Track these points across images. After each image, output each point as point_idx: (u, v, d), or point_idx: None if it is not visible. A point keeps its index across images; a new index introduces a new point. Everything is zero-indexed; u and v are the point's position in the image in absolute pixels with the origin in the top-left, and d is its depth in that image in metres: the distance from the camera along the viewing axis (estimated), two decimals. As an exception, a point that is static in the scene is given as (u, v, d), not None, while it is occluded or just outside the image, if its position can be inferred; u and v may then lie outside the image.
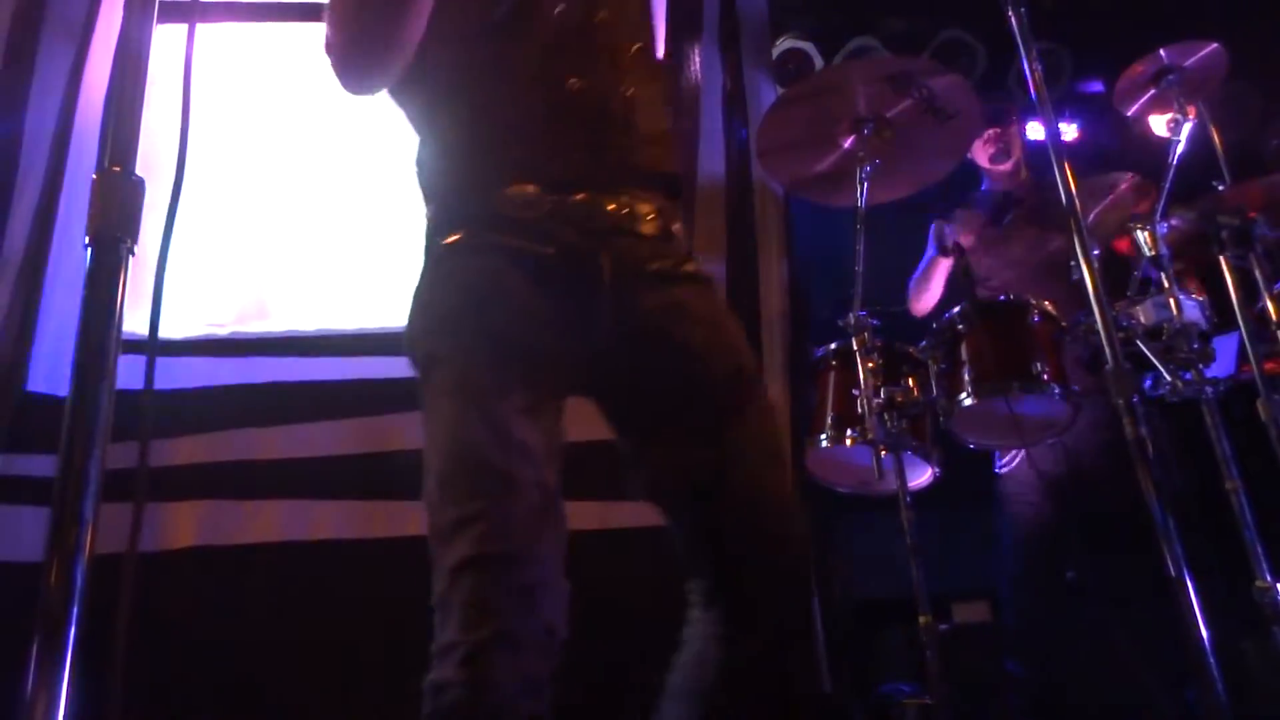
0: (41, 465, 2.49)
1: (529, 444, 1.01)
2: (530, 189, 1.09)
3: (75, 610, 0.72)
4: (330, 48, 1.13)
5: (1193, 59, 2.48)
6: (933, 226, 2.91)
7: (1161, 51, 2.46)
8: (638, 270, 1.12)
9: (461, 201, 1.14)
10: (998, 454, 2.63)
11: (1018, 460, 2.56)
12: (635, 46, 1.20)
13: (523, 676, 0.94)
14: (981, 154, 2.90)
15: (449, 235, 1.12)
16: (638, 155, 1.16)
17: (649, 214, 1.15)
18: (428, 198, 1.20)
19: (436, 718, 0.95)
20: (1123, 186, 2.55)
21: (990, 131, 2.86)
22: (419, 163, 1.22)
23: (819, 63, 3.85)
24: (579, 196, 1.10)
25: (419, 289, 1.13)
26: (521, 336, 1.06)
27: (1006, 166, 2.89)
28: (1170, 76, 2.49)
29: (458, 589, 0.97)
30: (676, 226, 1.19)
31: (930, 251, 2.88)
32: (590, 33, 1.16)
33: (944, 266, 2.75)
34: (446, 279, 1.11)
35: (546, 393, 1.08)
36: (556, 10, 1.14)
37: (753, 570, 1.10)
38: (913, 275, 2.88)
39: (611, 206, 1.11)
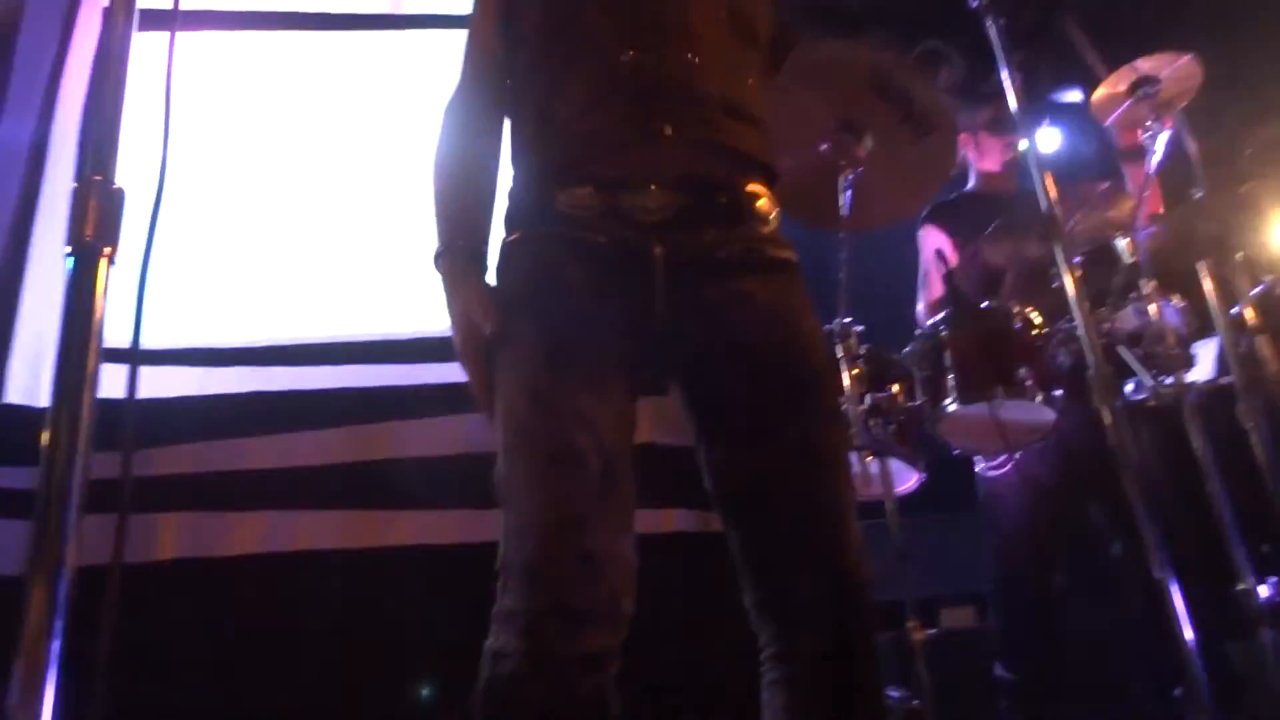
0: (19, 477, 2.45)
1: (587, 414, 1.02)
2: (584, 190, 1.12)
3: (58, 624, 0.71)
4: None
5: (1168, 69, 2.51)
6: (920, 234, 2.91)
7: (1138, 62, 2.50)
8: (699, 260, 1.11)
9: (523, 201, 1.19)
10: (982, 456, 2.64)
11: (1010, 462, 2.57)
12: (714, 14, 1.19)
13: (583, 650, 0.95)
14: (994, 160, 2.88)
15: (511, 233, 1.18)
16: (703, 128, 1.14)
17: (718, 197, 1.14)
18: (512, 187, 1.24)
19: (494, 685, 0.94)
20: (1099, 193, 2.58)
21: (1008, 139, 2.84)
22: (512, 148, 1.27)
23: (801, 72, 3.87)
24: (631, 193, 1.11)
25: (469, 289, 1.17)
26: (576, 322, 1.08)
27: (1014, 172, 2.88)
28: (1148, 87, 2.52)
29: (519, 552, 0.97)
30: (761, 204, 1.17)
31: (925, 268, 2.86)
32: (649, 5, 1.17)
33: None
34: (507, 271, 1.16)
35: (609, 371, 1.09)
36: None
37: (798, 583, 1.07)
38: (920, 297, 2.81)
39: (665, 200, 1.11)
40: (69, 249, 0.84)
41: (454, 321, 1.15)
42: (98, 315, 0.83)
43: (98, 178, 0.86)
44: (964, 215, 2.82)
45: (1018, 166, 2.86)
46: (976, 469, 2.63)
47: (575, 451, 1.00)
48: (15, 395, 2.64)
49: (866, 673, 1.04)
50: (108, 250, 0.85)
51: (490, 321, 1.11)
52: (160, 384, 2.59)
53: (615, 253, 1.10)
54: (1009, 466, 2.55)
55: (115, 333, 0.85)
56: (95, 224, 0.85)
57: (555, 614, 0.94)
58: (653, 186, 1.11)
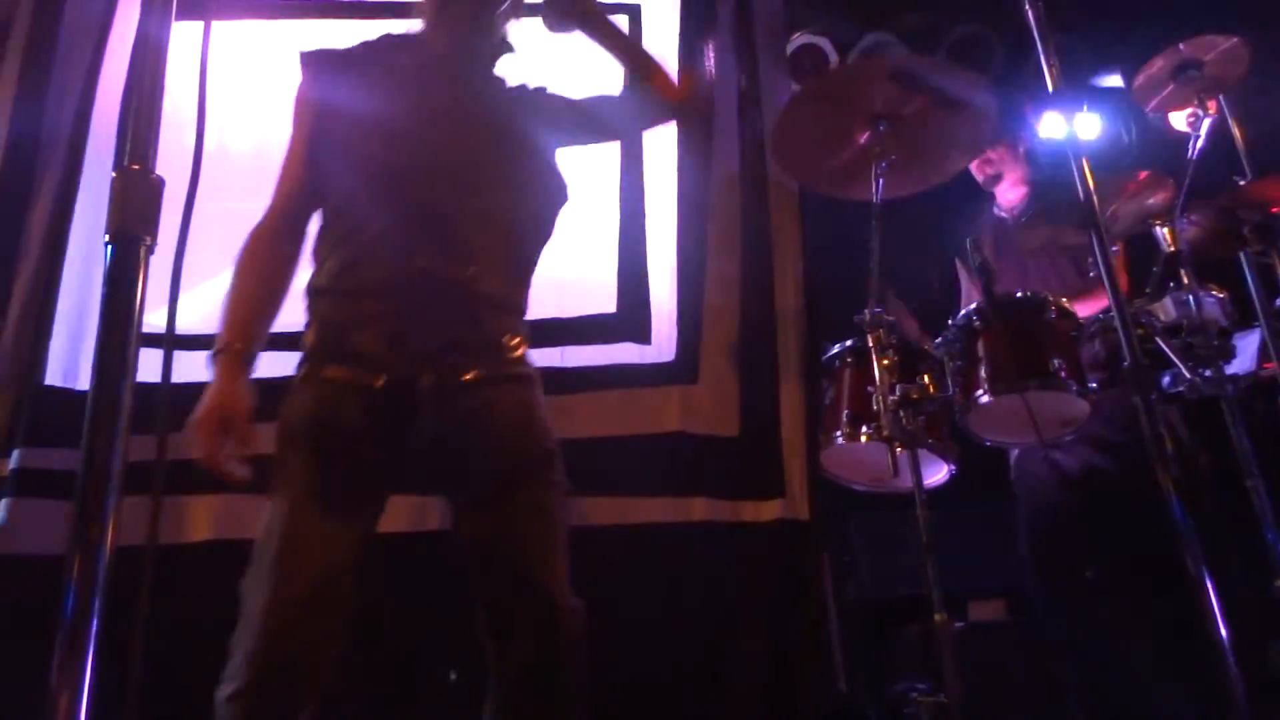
0: (59, 459, 2.51)
1: (323, 541, 1.32)
2: (370, 335, 1.39)
3: (97, 602, 0.73)
4: None
5: (1213, 53, 2.45)
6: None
7: (1181, 46, 2.44)
8: (454, 383, 1.40)
9: (323, 338, 1.44)
10: (1009, 456, 2.62)
11: (1017, 459, 2.55)
12: (487, 235, 1.47)
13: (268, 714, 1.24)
14: (978, 173, 2.91)
15: (303, 367, 1.44)
16: (469, 324, 1.44)
17: (473, 342, 1.43)
18: (307, 322, 1.49)
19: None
20: (1139, 181, 2.53)
21: (989, 153, 2.85)
22: (305, 292, 1.50)
23: (834, 59, 3.83)
24: (412, 339, 1.39)
25: (284, 404, 1.44)
26: (342, 452, 1.37)
27: (1000, 188, 2.89)
28: (1190, 71, 2.47)
29: (245, 634, 1.27)
30: (506, 338, 1.47)
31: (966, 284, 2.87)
32: (439, 223, 1.44)
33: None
34: (298, 399, 1.42)
35: (361, 496, 1.40)
36: (430, 191, 1.44)
37: (513, 610, 1.38)
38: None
39: (437, 342, 1.40)
40: (108, 237, 0.86)
41: (206, 400, 1.36)
42: (136, 302, 0.84)
43: (136, 167, 0.87)
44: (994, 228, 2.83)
45: (999, 180, 2.86)
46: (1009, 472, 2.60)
47: (301, 569, 1.29)
48: (56, 378, 2.69)
49: (571, 687, 1.37)
50: (146, 238, 0.86)
51: (238, 419, 1.34)
52: (195, 368, 2.64)
53: (388, 389, 1.37)
54: (1014, 465, 2.53)
55: (151, 317, 0.86)
56: (134, 212, 0.86)
57: (257, 689, 1.23)
58: (430, 331, 1.41)
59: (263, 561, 1.30)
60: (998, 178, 2.89)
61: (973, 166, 2.88)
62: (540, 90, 1.71)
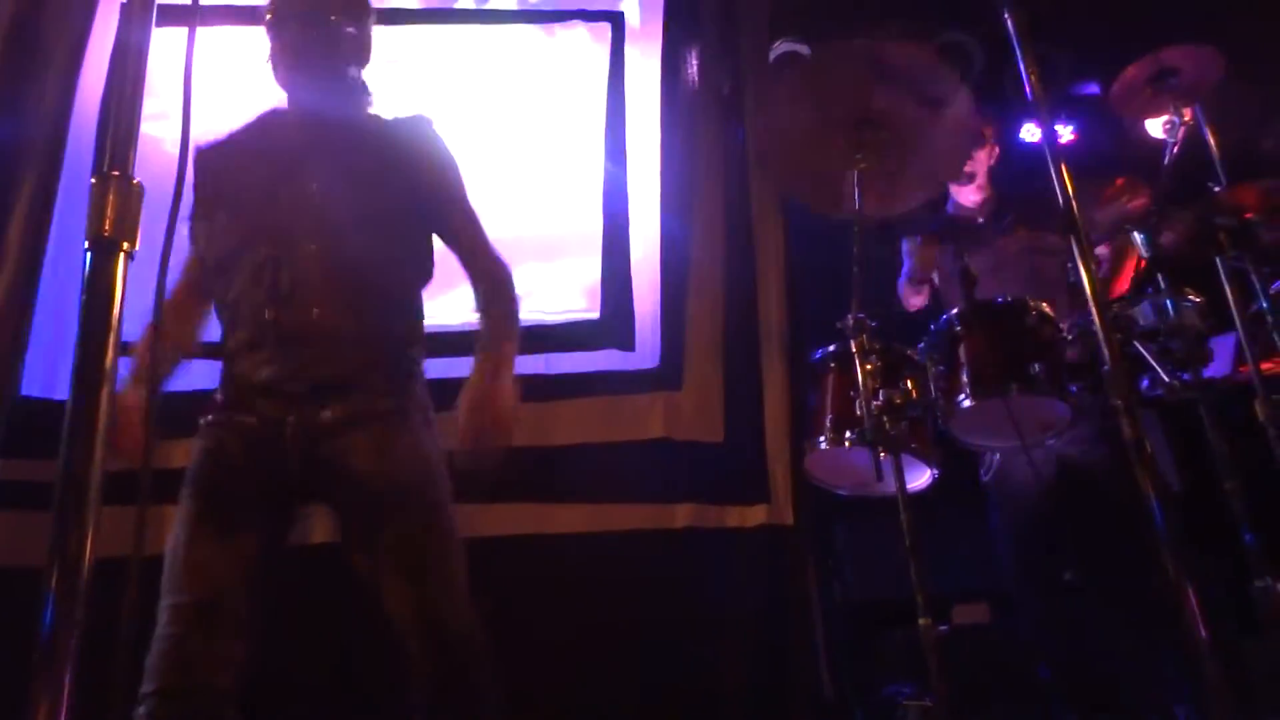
0: (38, 470, 2.48)
1: (205, 563, 1.44)
2: (252, 385, 1.54)
3: (78, 614, 0.72)
4: None
5: (1189, 61, 2.48)
6: (905, 243, 2.90)
7: (1158, 54, 2.47)
8: (317, 424, 1.52)
9: (222, 394, 1.60)
10: (980, 464, 2.62)
11: (995, 466, 2.56)
12: (331, 277, 1.56)
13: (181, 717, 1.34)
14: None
15: (207, 416, 1.59)
16: (324, 364, 1.55)
17: (333, 382, 1.54)
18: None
19: None
20: (1116, 186, 2.55)
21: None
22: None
23: (815, 65, 3.85)
24: (284, 383, 1.53)
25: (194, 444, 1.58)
26: (225, 484, 1.51)
27: (967, 188, 2.89)
28: (1167, 79, 2.50)
29: (153, 648, 1.38)
30: (369, 375, 1.57)
31: (907, 265, 2.87)
32: (279, 274, 1.54)
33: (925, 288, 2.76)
34: (195, 444, 1.57)
35: (241, 520, 1.49)
36: (267, 252, 1.56)
37: (409, 641, 1.48)
38: (901, 278, 2.87)
39: (304, 385, 1.53)
40: (87, 243, 0.85)
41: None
42: (115, 309, 0.83)
43: (115, 173, 0.87)
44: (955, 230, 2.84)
45: (972, 180, 2.86)
46: (981, 477, 2.62)
47: (188, 587, 1.43)
48: (34, 388, 2.66)
49: (463, 692, 1.47)
50: (125, 245, 0.85)
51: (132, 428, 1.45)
52: (177, 377, 2.61)
53: (259, 427, 1.53)
54: (995, 468, 2.54)
55: (132, 326, 0.86)
56: (113, 219, 0.85)
57: (160, 699, 1.34)
58: (293, 378, 1.53)
59: (164, 586, 1.44)
60: (971, 176, 2.88)
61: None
62: (421, 140, 1.75)
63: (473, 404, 1.53)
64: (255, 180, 1.63)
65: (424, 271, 1.73)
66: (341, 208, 1.60)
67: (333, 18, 1.68)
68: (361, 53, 1.75)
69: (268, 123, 1.73)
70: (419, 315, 1.71)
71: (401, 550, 1.50)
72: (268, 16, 1.71)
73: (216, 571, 1.44)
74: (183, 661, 1.36)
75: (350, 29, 1.71)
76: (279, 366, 1.53)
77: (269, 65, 1.71)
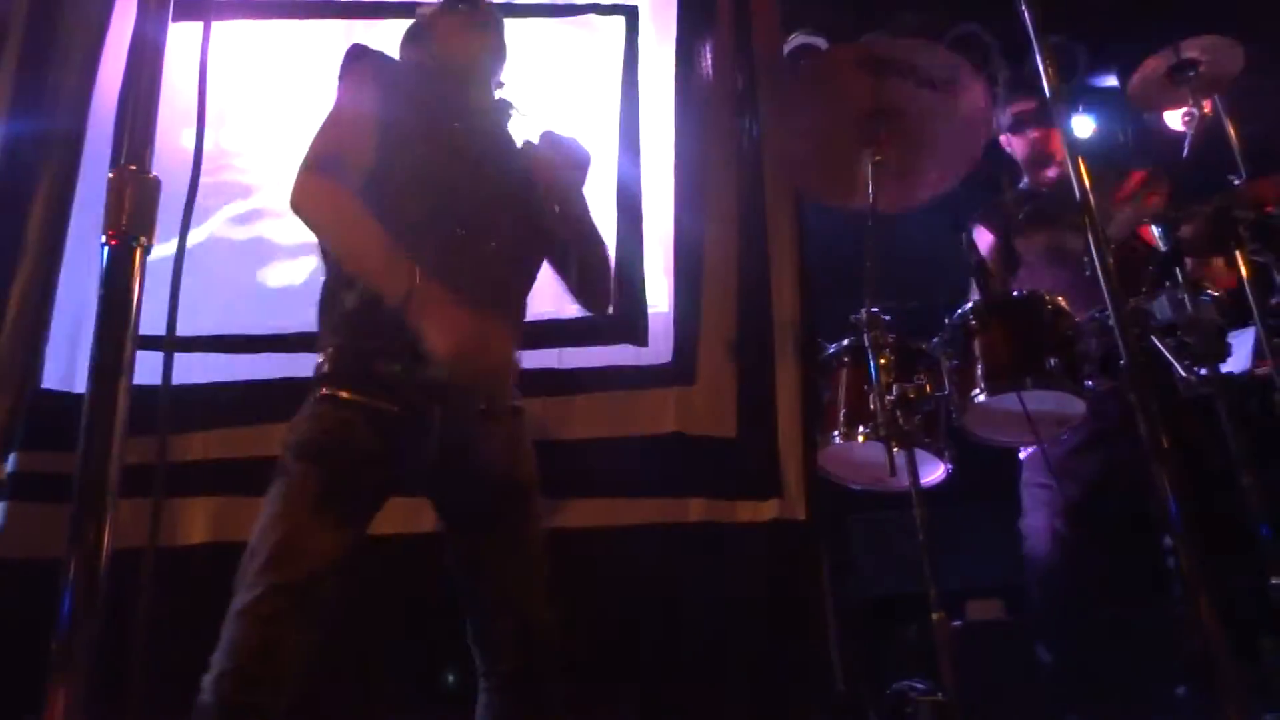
0: (57, 462, 2.50)
1: (318, 546, 1.40)
2: (396, 367, 1.48)
3: (96, 605, 0.73)
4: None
5: (1209, 53, 2.46)
6: (964, 238, 2.86)
7: (1177, 45, 2.44)
8: (463, 413, 1.53)
9: (345, 363, 1.52)
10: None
11: (1025, 461, 2.55)
12: (494, 282, 1.59)
13: (254, 701, 1.32)
14: (1023, 154, 2.84)
15: (325, 386, 1.51)
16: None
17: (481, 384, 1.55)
18: (325, 343, 1.56)
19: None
20: (1135, 181, 2.53)
21: (1034, 133, 2.80)
22: (325, 306, 1.59)
23: (830, 58, 3.83)
24: (429, 372, 1.47)
25: (301, 412, 1.51)
26: (353, 471, 1.46)
27: (1049, 174, 2.84)
28: (1186, 71, 2.47)
29: (238, 625, 1.35)
30: (510, 378, 1.63)
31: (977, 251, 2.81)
32: (465, 270, 1.52)
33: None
34: (315, 417, 1.49)
35: (361, 510, 1.49)
36: (456, 234, 1.55)
37: (499, 624, 1.53)
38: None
39: (450, 380, 1.48)
40: (104, 238, 0.85)
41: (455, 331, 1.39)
42: (133, 303, 0.84)
43: (132, 167, 0.87)
44: (1009, 211, 2.79)
45: (1052, 159, 2.81)
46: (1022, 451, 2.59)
47: (290, 568, 1.38)
48: (53, 381, 2.69)
49: (549, 690, 1.52)
50: (143, 239, 0.86)
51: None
52: (194, 370, 2.64)
53: (403, 416, 1.49)
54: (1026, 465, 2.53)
55: (149, 319, 0.86)
56: (130, 213, 0.86)
57: (239, 674, 1.32)
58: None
59: (256, 558, 1.38)
60: (1050, 157, 2.82)
61: (1020, 143, 2.83)
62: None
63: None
64: (451, 160, 1.62)
65: (533, 279, 1.78)
66: (508, 214, 1.65)
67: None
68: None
69: (444, 94, 1.71)
70: None
71: (513, 546, 1.56)
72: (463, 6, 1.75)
73: (324, 558, 1.41)
74: (270, 644, 1.34)
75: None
76: (443, 370, 1.46)
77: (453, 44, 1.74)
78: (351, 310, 1.53)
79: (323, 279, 1.63)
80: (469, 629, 1.56)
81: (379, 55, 1.69)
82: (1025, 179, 2.91)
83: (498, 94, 1.81)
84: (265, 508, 1.44)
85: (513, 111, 1.81)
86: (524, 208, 1.67)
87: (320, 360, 1.55)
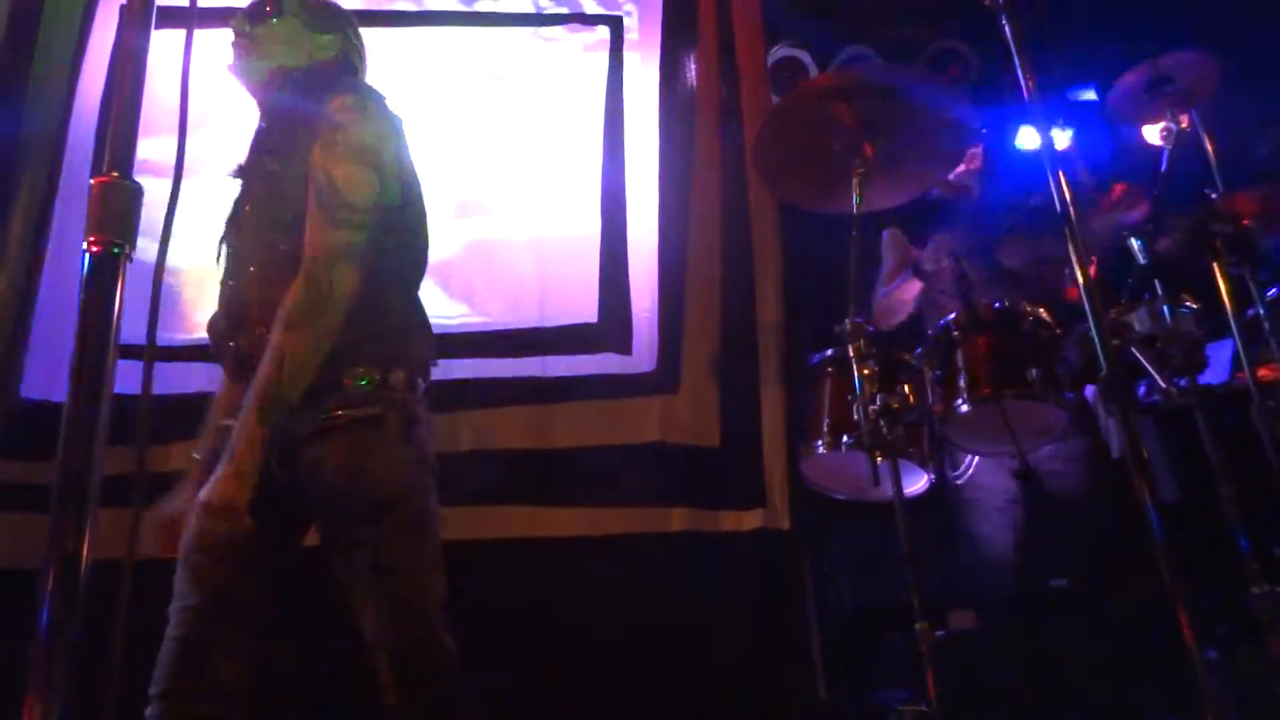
0: (38, 472, 2.47)
1: (208, 565, 1.48)
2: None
3: (75, 615, 0.72)
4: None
5: (1186, 68, 2.50)
6: (886, 235, 2.89)
7: (1156, 60, 2.48)
8: (290, 437, 1.47)
9: None
10: (949, 465, 2.61)
11: (971, 469, 2.55)
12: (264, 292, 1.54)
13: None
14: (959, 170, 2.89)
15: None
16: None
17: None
18: None
19: None
20: (1114, 194, 2.56)
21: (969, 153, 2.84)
22: None
23: (814, 71, 3.86)
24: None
25: None
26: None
27: (970, 183, 2.88)
28: (1164, 85, 2.51)
29: (164, 646, 1.45)
30: (335, 384, 1.50)
31: (887, 263, 2.85)
32: (230, 285, 1.62)
33: (917, 287, 2.71)
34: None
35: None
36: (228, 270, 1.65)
37: (376, 660, 1.45)
38: (876, 297, 2.80)
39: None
40: (86, 245, 0.85)
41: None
42: (114, 311, 0.83)
43: (114, 174, 0.87)
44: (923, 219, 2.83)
45: (970, 174, 2.85)
46: (947, 481, 2.60)
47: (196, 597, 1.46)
48: (34, 390, 2.66)
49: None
50: (124, 247, 0.85)
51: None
52: (174, 380, 2.62)
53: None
54: (971, 471, 2.54)
55: (130, 329, 0.86)
56: (111, 221, 0.85)
57: (172, 691, 1.39)
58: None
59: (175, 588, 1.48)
60: (976, 174, 2.86)
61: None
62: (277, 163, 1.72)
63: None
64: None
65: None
66: (276, 228, 1.58)
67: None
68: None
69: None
70: (388, 321, 1.61)
71: (373, 575, 1.44)
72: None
73: (223, 574, 1.45)
74: (190, 662, 1.39)
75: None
76: (245, 386, 1.48)
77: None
78: None
79: None
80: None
81: None
82: (933, 190, 2.93)
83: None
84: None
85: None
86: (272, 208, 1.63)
87: None
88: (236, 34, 1.73)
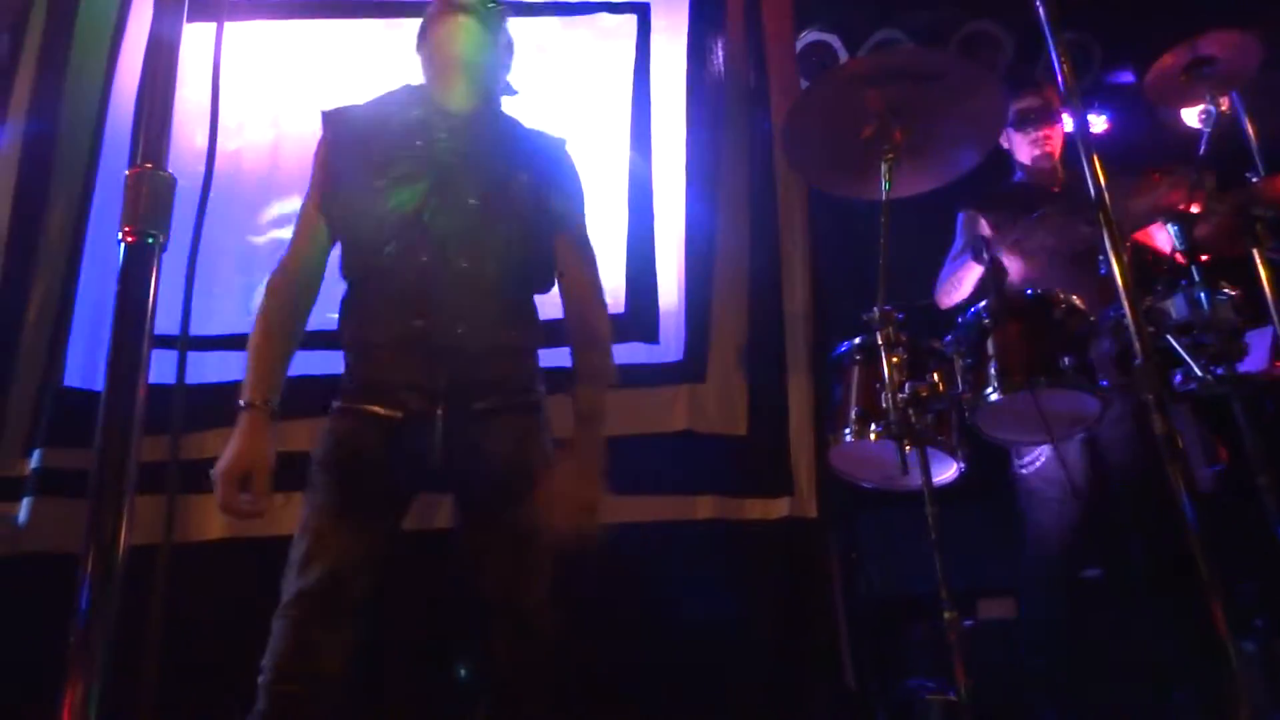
0: (79, 458, 2.53)
1: (339, 549, 1.49)
2: (389, 379, 1.59)
3: (113, 598, 0.74)
4: None
5: (1226, 49, 2.43)
6: (961, 217, 2.87)
7: (1194, 41, 2.42)
8: (466, 412, 1.58)
9: (352, 375, 1.64)
10: (1015, 454, 2.60)
11: (1042, 460, 2.53)
12: (473, 296, 1.62)
13: (291, 699, 1.42)
14: (1025, 153, 2.83)
15: (338, 399, 1.63)
16: (473, 369, 1.61)
17: (475, 381, 1.61)
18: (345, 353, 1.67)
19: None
20: (1154, 178, 2.51)
21: (1037, 133, 2.78)
22: (340, 319, 1.68)
23: (843, 55, 3.82)
24: (424, 381, 1.58)
25: (322, 428, 1.62)
26: (365, 477, 1.55)
27: (1047, 166, 2.83)
28: (1203, 67, 2.45)
29: (274, 627, 1.46)
30: (506, 375, 1.65)
31: (958, 243, 2.84)
32: (428, 290, 1.59)
33: (977, 271, 2.69)
34: (330, 430, 1.61)
35: (378, 514, 1.57)
36: (420, 260, 1.59)
37: (492, 625, 1.56)
38: (943, 270, 2.82)
39: (445, 381, 1.58)
40: (121, 235, 0.87)
41: (230, 453, 1.49)
42: (149, 301, 0.85)
43: (148, 166, 0.88)
44: (1004, 204, 2.78)
45: (1053, 159, 2.79)
46: (1013, 468, 2.59)
47: (316, 570, 1.48)
48: (75, 379, 2.72)
49: (536, 683, 1.55)
50: (158, 237, 0.87)
51: (259, 475, 1.49)
52: (208, 369, 2.66)
53: (406, 422, 1.57)
54: (1041, 462, 2.51)
55: (165, 318, 0.87)
56: (146, 211, 0.87)
57: (282, 675, 1.43)
58: (442, 376, 1.59)
59: (291, 567, 1.50)
60: (1050, 156, 2.81)
61: (1024, 142, 2.83)
62: (555, 166, 1.77)
63: (581, 504, 1.56)
64: (410, 173, 1.63)
65: (547, 284, 1.77)
66: (496, 224, 1.64)
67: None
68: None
69: (412, 111, 1.70)
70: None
71: (515, 539, 1.57)
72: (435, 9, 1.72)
73: (347, 561, 1.49)
74: (303, 644, 1.43)
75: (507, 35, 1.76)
76: (426, 368, 1.57)
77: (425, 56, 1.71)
78: (348, 339, 1.66)
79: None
80: (471, 623, 1.60)
81: (336, 115, 1.71)
82: (1019, 174, 2.89)
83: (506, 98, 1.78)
84: (299, 520, 1.55)
85: (505, 98, 1.78)
86: (510, 204, 1.66)
87: (341, 380, 1.66)
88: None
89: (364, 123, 1.70)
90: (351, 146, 1.67)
